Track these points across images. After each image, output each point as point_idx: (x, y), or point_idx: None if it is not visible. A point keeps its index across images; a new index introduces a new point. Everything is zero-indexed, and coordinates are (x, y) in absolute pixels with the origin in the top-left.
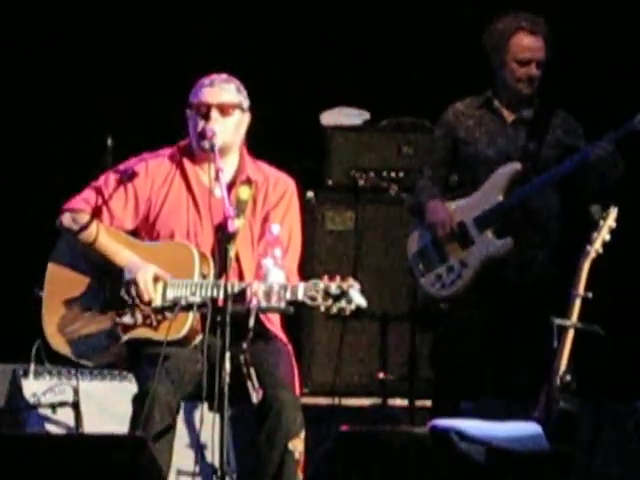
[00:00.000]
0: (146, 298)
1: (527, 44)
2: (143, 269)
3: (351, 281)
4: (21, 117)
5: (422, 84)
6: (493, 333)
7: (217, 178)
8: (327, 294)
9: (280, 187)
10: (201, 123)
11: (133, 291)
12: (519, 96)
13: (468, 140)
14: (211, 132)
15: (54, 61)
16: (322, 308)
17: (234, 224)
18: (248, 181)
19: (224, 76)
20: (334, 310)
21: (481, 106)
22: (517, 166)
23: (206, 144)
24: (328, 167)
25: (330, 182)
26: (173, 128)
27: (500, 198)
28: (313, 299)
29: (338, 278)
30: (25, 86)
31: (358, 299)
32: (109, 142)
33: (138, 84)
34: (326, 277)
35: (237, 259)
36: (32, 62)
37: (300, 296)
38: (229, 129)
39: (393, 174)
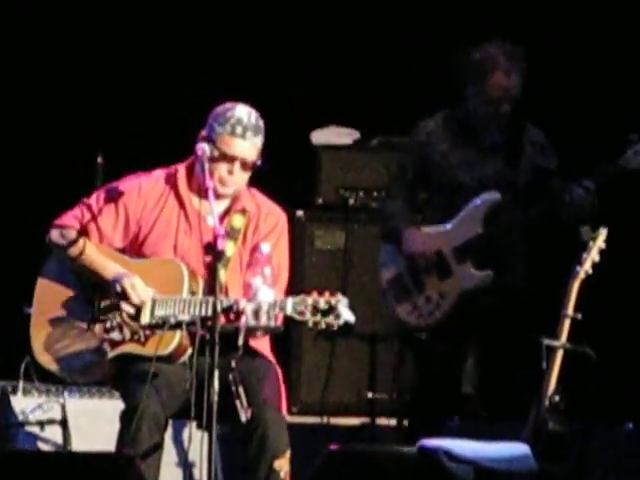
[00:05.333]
0: (138, 300)
1: (503, 83)
2: (130, 276)
3: (339, 296)
4: (11, 134)
5: (412, 103)
6: (470, 357)
7: (207, 196)
8: (315, 309)
9: (271, 219)
10: (223, 170)
11: (124, 295)
12: (490, 125)
13: (443, 165)
14: (231, 183)
15: (45, 78)
16: (310, 323)
17: (224, 242)
18: (243, 211)
19: (254, 121)
20: (322, 325)
21: (454, 129)
22: (496, 196)
23: (229, 191)
24: (318, 186)
25: (320, 201)
26: (164, 148)
27: (479, 230)
28: (301, 314)
29: (327, 293)
30: (16, 103)
31: (346, 314)
32: (99, 160)
33: (129, 103)
34: (314, 292)
35: (225, 287)
36: (22, 79)
37: (289, 311)
38: (244, 180)
39: (383, 193)
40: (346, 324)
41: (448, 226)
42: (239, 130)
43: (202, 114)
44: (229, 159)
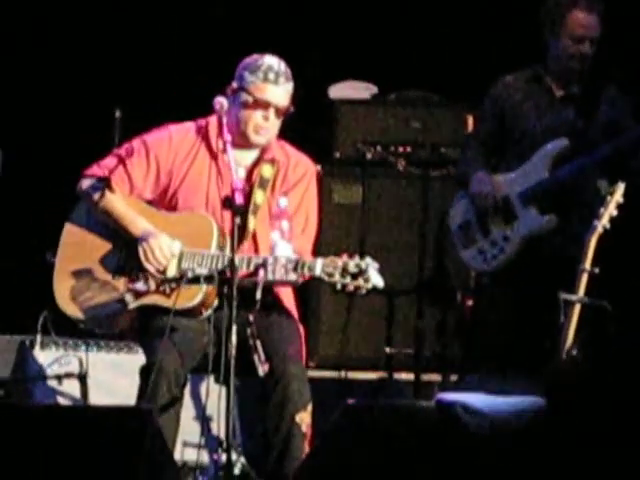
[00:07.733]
0: (162, 265)
1: (583, 21)
2: (157, 236)
3: (370, 260)
4: (30, 89)
5: (431, 58)
6: (531, 308)
7: (225, 150)
8: (345, 271)
9: (300, 168)
10: (258, 116)
11: (149, 256)
12: (570, 72)
13: (515, 114)
14: (266, 130)
15: (62, 35)
16: (339, 285)
17: (241, 197)
18: (272, 160)
19: (284, 69)
20: (350, 288)
21: (530, 80)
22: (564, 143)
23: (262, 140)
24: (336, 140)
25: (338, 155)
26: (182, 102)
27: (546, 174)
28: (330, 275)
29: (357, 257)
30: (33, 59)
31: (375, 278)
32: (117, 114)
33: (146, 56)
34: (345, 254)
35: (254, 235)
36: (39, 35)
37: (317, 272)
38: (276, 128)
39: (401, 148)
40: (374, 288)
41: (516, 172)
42: (272, 76)
43: (218, 68)
44: (264, 105)
